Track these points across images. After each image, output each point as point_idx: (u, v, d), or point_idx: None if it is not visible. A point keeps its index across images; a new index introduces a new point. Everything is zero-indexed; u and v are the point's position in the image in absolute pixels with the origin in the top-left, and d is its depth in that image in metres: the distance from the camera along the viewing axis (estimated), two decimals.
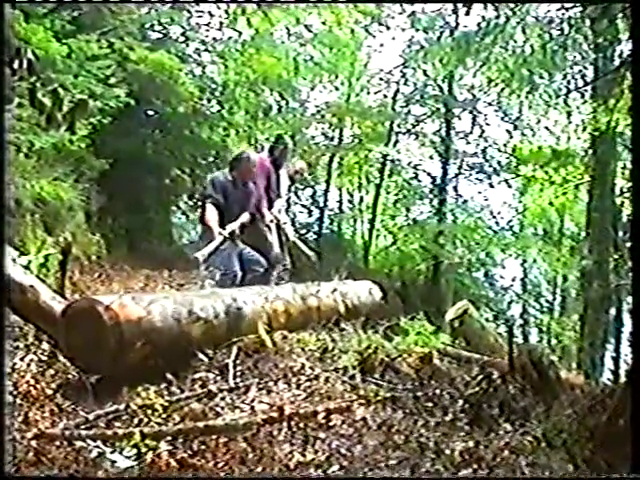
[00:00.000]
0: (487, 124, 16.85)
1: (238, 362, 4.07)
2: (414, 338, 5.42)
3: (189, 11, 12.60)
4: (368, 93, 17.90)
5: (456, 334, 6.19)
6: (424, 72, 16.33)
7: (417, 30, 13.95)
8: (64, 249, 5.47)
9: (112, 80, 9.07)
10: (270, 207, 6.59)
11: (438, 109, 16.80)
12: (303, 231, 14.98)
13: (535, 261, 18.35)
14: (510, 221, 17.65)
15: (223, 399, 3.58)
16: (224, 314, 4.39)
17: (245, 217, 5.99)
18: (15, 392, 3.37)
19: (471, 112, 16.66)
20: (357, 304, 6.30)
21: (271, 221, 6.50)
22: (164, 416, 3.26)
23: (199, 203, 9.04)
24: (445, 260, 14.78)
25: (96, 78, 8.58)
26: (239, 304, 4.63)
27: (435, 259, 15.38)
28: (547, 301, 18.99)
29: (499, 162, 16.96)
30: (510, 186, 17.64)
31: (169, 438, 2.96)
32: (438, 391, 3.88)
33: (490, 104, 16.56)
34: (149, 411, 3.27)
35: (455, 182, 17.33)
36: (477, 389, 3.72)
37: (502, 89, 12.58)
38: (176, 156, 12.09)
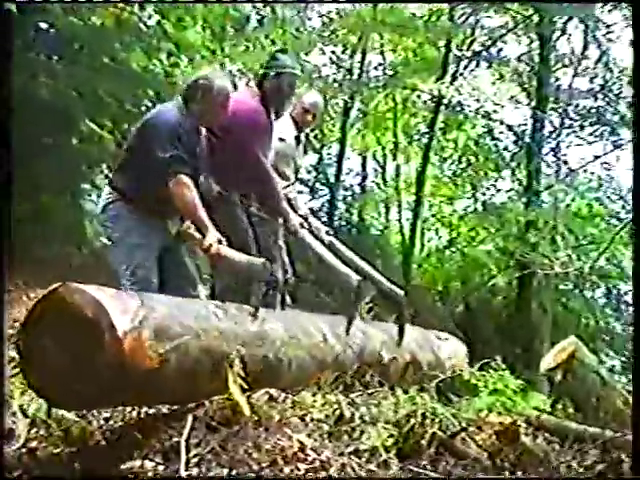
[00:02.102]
0: (611, 40, 16.70)
1: (195, 441, 4.06)
2: (488, 400, 5.44)
3: None
4: None
5: (558, 394, 6.20)
6: None
7: None
8: None
9: None
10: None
11: (527, 18, 16.78)
12: None
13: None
14: None
15: None
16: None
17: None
18: None
19: (583, 21, 16.53)
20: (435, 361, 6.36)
21: (301, 225, 6.24)
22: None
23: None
24: (538, 270, 14.69)
25: None
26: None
27: (522, 268, 15.37)
28: None
29: (631, 105, 16.89)
30: None
31: None
32: None
33: (617, 6, 16.32)
34: None
35: (555, 141, 17.32)
36: None
37: None
38: (89, 99, 12.09)
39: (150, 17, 13.58)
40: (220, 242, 5.12)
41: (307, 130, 7.34)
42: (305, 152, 7.61)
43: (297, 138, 6.87)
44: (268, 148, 6.08)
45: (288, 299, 6.60)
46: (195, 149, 5.52)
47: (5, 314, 4.08)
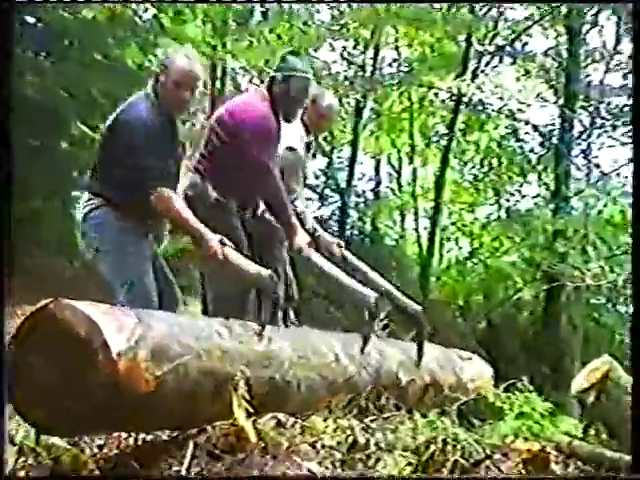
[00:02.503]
0: None
1: (196, 469, 4.06)
2: (514, 425, 5.43)
3: None
4: None
5: (591, 417, 6.18)
6: None
7: None
8: None
9: None
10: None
11: (554, 9, 16.78)
12: None
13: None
14: None
15: None
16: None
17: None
18: None
19: (616, 12, 16.56)
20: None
21: (309, 245, 6.09)
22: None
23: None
24: (567, 282, 14.67)
25: None
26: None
27: (550, 281, 15.36)
28: None
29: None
30: None
31: None
32: None
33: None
34: None
35: (585, 142, 17.32)
36: None
37: None
38: (80, 99, 12.14)
39: (146, 10, 13.64)
40: (223, 244, 5.12)
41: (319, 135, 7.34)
42: (314, 156, 7.54)
43: (308, 145, 6.82)
44: (275, 156, 6.03)
45: (292, 315, 6.59)
46: (172, 145, 5.45)
47: (5, 313, 4.08)
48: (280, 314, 6.27)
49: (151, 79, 5.49)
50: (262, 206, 6.16)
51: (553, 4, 16.50)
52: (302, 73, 6.08)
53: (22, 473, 4.15)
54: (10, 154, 4.09)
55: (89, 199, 5.53)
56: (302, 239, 5.95)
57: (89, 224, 5.54)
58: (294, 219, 5.99)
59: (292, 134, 6.46)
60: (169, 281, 5.71)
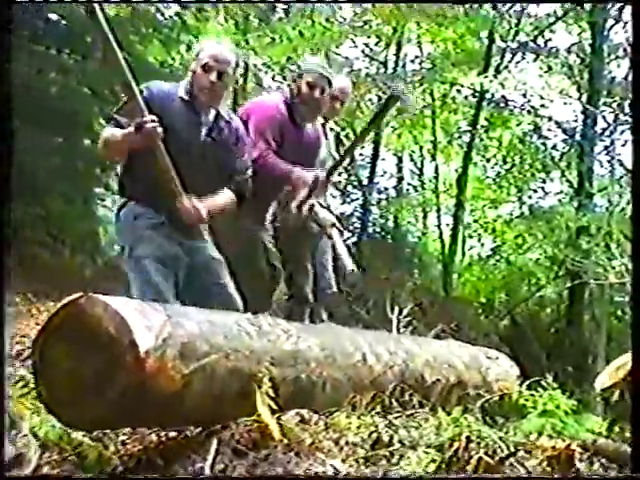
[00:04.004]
0: None
1: (221, 466, 4.06)
2: (538, 422, 5.40)
3: None
4: None
5: (614, 415, 6.15)
6: None
7: None
8: None
9: None
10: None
11: (578, 5, 16.72)
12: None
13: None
14: None
15: None
16: None
17: (225, 197, 5.51)
18: None
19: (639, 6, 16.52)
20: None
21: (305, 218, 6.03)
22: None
23: None
24: (591, 280, 14.60)
25: None
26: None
27: (573, 278, 15.30)
28: None
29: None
30: None
31: None
32: None
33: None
34: None
35: (609, 139, 17.26)
36: None
37: None
38: (103, 96, 12.14)
39: (168, 8, 13.65)
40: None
41: (332, 121, 7.28)
42: (337, 150, 7.48)
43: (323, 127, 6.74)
44: (276, 143, 6.01)
45: (324, 314, 6.59)
46: (190, 131, 5.31)
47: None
48: (308, 311, 6.30)
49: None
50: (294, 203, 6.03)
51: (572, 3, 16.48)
52: (315, 68, 6.13)
53: (46, 469, 4.18)
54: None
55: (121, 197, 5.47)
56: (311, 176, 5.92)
57: (119, 222, 5.50)
58: (296, 175, 5.94)
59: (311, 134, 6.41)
60: (223, 291, 5.50)
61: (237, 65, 5.40)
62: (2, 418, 3.35)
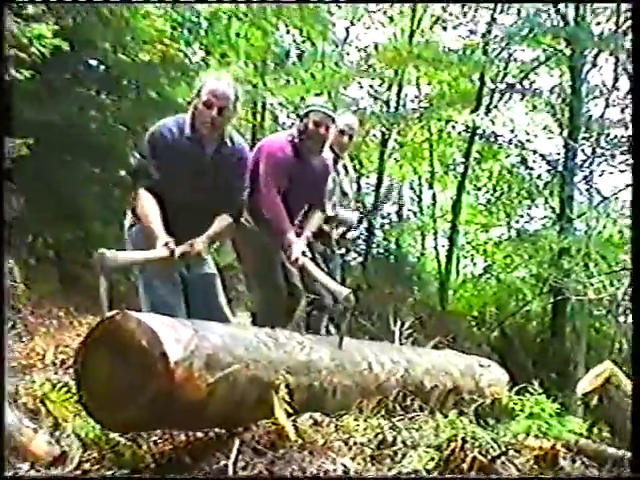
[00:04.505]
0: None
1: (242, 464, 4.05)
2: (525, 424, 5.38)
3: None
4: (444, 28, 18.04)
5: (594, 417, 6.13)
6: None
7: None
8: None
9: (30, 10, 9.15)
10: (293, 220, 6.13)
11: (559, 51, 16.79)
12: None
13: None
14: None
15: None
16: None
17: (222, 222, 5.29)
18: None
19: (614, 54, 16.54)
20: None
21: (296, 260, 5.85)
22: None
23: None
24: (572, 296, 14.58)
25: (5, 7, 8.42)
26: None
27: (555, 294, 15.28)
28: None
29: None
30: None
31: None
32: None
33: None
34: None
35: (587, 169, 17.26)
36: None
37: None
38: (136, 132, 12.15)
39: (195, 54, 13.71)
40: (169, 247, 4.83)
41: (346, 156, 7.25)
42: (351, 183, 7.43)
43: (335, 163, 6.72)
44: (283, 181, 5.99)
45: (332, 328, 6.56)
46: (187, 161, 5.16)
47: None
48: (326, 317, 6.28)
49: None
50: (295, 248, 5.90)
51: (557, 47, 16.51)
52: (319, 107, 6.12)
53: (87, 465, 4.18)
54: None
55: (131, 216, 5.45)
56: (297, 250, 5.79)
57: (127, 240, 5.50)
58: (291, 234, 5.86)
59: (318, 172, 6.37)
60: (216, 309, 5.34)
61: (237, 98, 5.20)
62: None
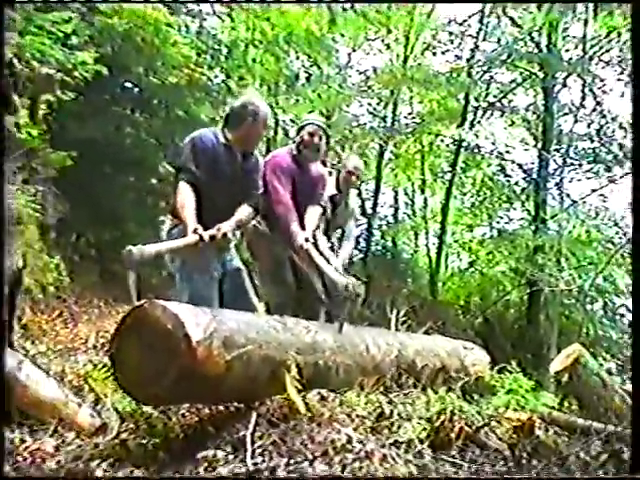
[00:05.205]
0: (604, 92, 16.71)
1: (258, 434, 4.05)
2: (505, 399, 5.39)
3: None
4: (434, 54, 18.01)
5: (565, 393, 6.14)
6: (513, 21, 16.33)
7: None
8: (10, 278, 5.48)
9: (73, 40, 9.13)
10: (301, 222, 6.09)
11: (533, 74, 16.77)
12: None
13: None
14: None
15: None
16: None
17: (245, 211, 5.31)
18: None
19: (581, 76, 16.53)
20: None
21: (301, 247, 5.84)
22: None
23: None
24: (545, 287, 14.56)
25: (51, 37, 8.40)
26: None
27: (531, 286, 15.26)
28: None
29: (622, 146, 16.69)
30: None
31: None
32: (543, 475, 3.74)
33: (609, 63, 16.40)
34: None
35: (558, 177, 17.21)
36: (601, 474, 3.61)
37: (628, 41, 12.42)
38: (166, 145, 12.18)
39: (216, 77, 13.74)
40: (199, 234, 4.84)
41: (352, 193, 7.23)
42: (351, 215, 7.36)
43: (332, 198, 6.77)
44: (289, 185, 6.03)
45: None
46: (230, 167, 5.21)
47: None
48: (323, 309, 6.26)
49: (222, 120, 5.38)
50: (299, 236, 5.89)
51: (532, 70, 16.50)
52: (312, 121, 6.22)
53: (124, 435, 4.21)
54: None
55: (170, 220, 5.38)
56: (301, 238, 5.77)
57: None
58: (297, 226, 5.86)
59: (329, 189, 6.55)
60: (244, 294, 5.40)
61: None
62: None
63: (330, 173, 6.85)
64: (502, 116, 17.94)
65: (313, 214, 6.20)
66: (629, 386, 11.46)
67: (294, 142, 6.24)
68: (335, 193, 6.80)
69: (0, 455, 2.95)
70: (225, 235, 4.93)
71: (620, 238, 16.70)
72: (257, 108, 5.19)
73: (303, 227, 5.94)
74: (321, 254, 5.98)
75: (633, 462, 3.23)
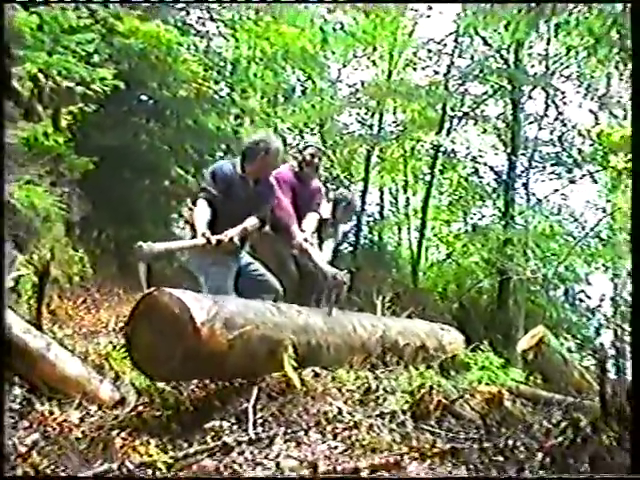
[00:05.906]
0: (565, 103, 16.74)
1: (259, 407, 4.06)
2: (478, 374, 5.41)
3: None
4: (414, 69, 17.97)
5: (530, 369, 6.17)
6: (484, 41, 16.33)
7: None
8: (39, 269, 5.48)
9: (95, 58, 9.12)
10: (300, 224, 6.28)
11: (502, 87, 16.76)
12: None
13: (630, 275, 17.99)
14: (596, 225, 16.78)
15: (241, 454, 3.51)
16: None
17: (251, 222, 5.40)
18: None
19: (544, 89, 16.55)
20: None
21: (300, 246, 6.03)
22: (169, 476, 3.24)
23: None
24: (514, 275, 14.59)
25: (75, 56, 8.46)
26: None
27: (501, 274, 15.27)
28: None
29: (581, 151, 16.73)
30: (596, 181, 17.32)
31: None
32: (510, 442, 3.71)
33: (569, 78, 16.44)
34: (149, 470, 3.26)
35: (525, 178, 17.20)
36: (560, 439, 3.58)
37: (585, 58, 12.43)
38: (177, 151, 12.17)
39: (222, 90, 13.72)
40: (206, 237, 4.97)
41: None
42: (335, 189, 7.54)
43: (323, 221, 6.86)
44: (291, 195, 6.26)
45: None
46: (243, 192, 5.37)
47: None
48: (314, 296, 6.30)
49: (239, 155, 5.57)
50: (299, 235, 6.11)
51: (501, 83, 16.53)
52: (313, 144, 6.66)
53: (141, 407, 4.26)
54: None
55: None
56: (300, 237, 5.97)
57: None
58: (296, 228, 6.05)
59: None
60: (262, 280, 5.53)
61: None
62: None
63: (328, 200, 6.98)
64: (475, 124, 17.91)
65: (311, 219, 6.36)
66: (587, 362, 11.51)
67: (294, 158, 6.50)
68: (328, 218, 6.84)
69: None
70: (232, 239, 5.05)
71: (579, 232, 16.79)
72: (268, 145, 5.42)
73: (302, 229, 6.11)
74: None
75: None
